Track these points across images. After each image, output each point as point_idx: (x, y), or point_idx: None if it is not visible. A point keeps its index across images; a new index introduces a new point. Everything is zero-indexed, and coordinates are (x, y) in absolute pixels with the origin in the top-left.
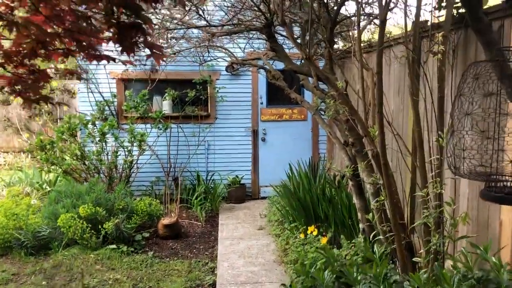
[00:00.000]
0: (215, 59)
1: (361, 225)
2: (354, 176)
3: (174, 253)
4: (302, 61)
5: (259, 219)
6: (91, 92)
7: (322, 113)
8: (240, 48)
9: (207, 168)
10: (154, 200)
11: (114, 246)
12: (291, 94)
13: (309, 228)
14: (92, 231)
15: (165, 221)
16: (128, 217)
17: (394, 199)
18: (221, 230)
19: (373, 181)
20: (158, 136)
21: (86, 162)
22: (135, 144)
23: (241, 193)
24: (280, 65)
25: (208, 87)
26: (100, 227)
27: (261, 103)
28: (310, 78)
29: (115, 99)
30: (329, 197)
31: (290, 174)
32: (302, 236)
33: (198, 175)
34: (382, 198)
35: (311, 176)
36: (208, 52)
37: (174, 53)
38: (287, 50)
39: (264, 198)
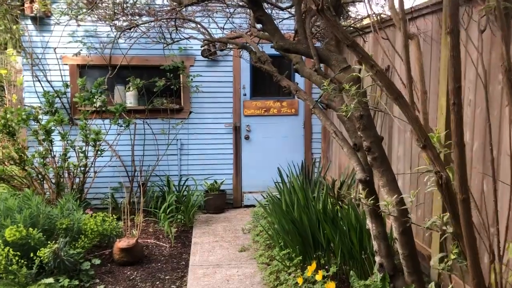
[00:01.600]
0: (185, 38)
1: (377, 259)
2: (368, 190)
3: (131, 286)
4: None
5: (241, 235)
6: (39, 81)
7: (322, 106)
8: (217, 25)
9: (180, 171)
10: (109, 216)
11: (51, 279)
12: (281, 81)
13: (308, 267)
14: (23, 260)
15: (122, 243)
16: (74, 239)
17: (476, 260)
18: (194, 252)
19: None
20: (119, 134)
21: (27, 167)
22: (91, 144)
23: (220, 202)
24: (268, 49)
25: (181, 76)
26: (33, 255)
27: (244, 95)
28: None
29: (68, 90)
30: (332, 216)
31: (281, 183)
32: (300, 280)
33: (168, 181)
34: (453, 256)
35: (306, 183)
36: (176, 30)
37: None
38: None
39: (248, 206)
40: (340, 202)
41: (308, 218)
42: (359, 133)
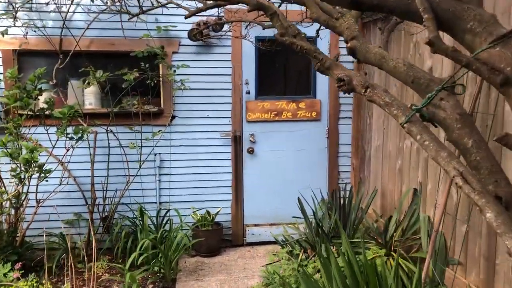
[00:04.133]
0: (162, 5)
1: None
2: None
3: None
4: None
5: None
6: None
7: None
8: None
9: (159, 198)
10: (38, 282)
11: None
12: (334, 69)
13: None
14: None
15: None
16: None
17: None
18: None
19: None
20: (72, 148)
21: None
22: (23, 166)
23: (215, 240)
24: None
25: (160, 66)
26: None
27: (248, 93)
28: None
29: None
30: None
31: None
32: None
33: (141, 212)
34: None
35: (338, 216)
36: None
37: None
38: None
39: (251, 244)
40: (393, 253)
41: None
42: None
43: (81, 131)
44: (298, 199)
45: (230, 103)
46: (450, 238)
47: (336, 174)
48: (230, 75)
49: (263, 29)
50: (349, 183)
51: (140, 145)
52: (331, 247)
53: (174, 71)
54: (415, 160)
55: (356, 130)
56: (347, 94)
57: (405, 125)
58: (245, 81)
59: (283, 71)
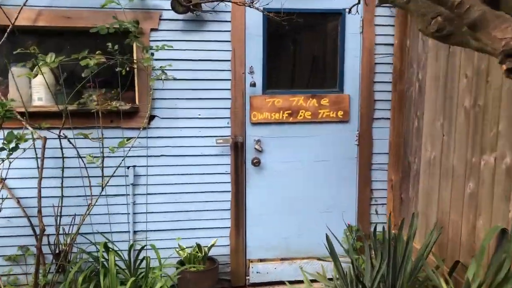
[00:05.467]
0: None
1: None
2: None
3: None
4: None
5: None
6: None
7: None
8: None
9: (133, 226)
10: None
11: None
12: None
13: None
14: None
15: None
16: None
17: None
18: None
19: None
20: (7, 159)
21: None
22: None
23: (208, 282)
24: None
25: (134, 48)
26: None
27: (253, 85)
28: None
29: None
30: None
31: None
32: None
33: (107, 248)
34: None
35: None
36: None
37: None
38: None
39: (256, 286)
40: None
41: None
42: None
43: (16, 138)
44: (327, 236)
45: (229, 98)
46: None
47: (369, 192)
48: (229, 60)
49: None
50: (385, 204)
51: (104, 155)
52: None
53: (152, 54)
54: (505, 186)
55: (396, 136)
56: (385, 88)
57: None
58: (250, 70)
59: (301, 55)
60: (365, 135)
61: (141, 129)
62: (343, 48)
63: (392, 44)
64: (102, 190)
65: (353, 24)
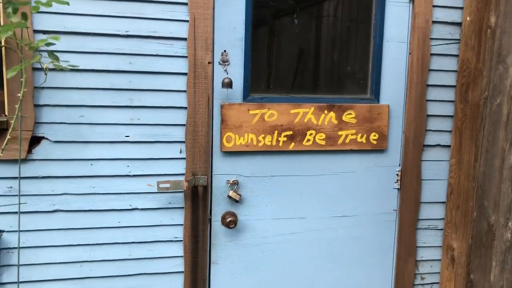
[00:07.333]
0: None
1: None
2: None
3: None
4: None
5: None
6: None
7: None
8: None
9: None
10: None
11: None
12: None
13: None
14: None
15: None
16: None
17: None
18: None
19: None
20: None
21: None
22: None
23: None
24: None
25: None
26: None
27: (226, 84)
28: None
29: None
30: None
31: None
32: None
33: None
34: None
35: None
36: None
37: None
38: None
39: None
40: None
41: None
42: None
43: None
44: None
45: (184, 107)
46: None
47: (413, 267)
48: (184, 39)
49: None
50: (436, 282)
51: None
52: None
53: (25, 17)
54: None
55: (464, 176)
56: (445, 96)
57: None
58: (222, 57)
59: (309, 38)
60: (410, 173)
61: (14, 162)
62: (381, 28)
63: (459, 24)
64: None
65: (397, 18)
